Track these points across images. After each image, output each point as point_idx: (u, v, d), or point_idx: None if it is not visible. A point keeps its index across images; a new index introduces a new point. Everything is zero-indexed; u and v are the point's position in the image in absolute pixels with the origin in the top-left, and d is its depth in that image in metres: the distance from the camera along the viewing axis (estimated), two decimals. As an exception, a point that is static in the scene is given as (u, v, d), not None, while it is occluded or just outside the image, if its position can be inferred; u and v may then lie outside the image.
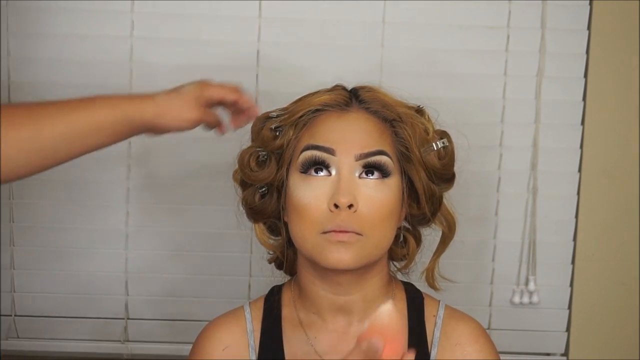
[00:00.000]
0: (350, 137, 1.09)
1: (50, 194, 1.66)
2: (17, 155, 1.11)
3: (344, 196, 1.06)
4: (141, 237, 1.68)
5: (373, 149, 1.09)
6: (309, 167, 1.09)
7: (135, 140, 1.57)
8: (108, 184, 1.66)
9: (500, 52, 1.66)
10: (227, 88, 1.20)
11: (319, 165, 1.09)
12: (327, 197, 1.07)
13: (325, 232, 1.07)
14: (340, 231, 1.06)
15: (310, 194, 1.08)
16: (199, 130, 1.63)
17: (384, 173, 1.09)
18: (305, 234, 1.09)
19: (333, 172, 1.08)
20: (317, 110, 1.13)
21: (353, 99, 1.14)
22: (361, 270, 1.11)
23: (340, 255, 1.07)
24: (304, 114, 1.13)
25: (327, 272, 1.11)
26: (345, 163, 1.08)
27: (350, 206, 1.06)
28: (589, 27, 1.66)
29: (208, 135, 1.63)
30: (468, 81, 1.66)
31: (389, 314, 0.95)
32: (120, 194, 1.66)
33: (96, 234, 1.67)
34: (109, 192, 1.66)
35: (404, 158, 1.11)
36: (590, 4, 1.65)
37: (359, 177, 1.09)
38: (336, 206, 1.06)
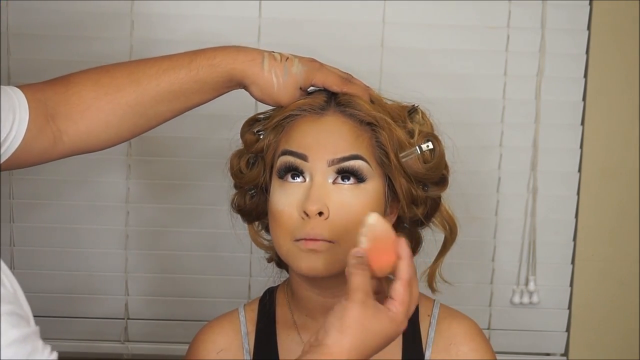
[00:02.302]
0: (323, 142, 1.07)
1: (50, 194, 1.66)
2: (119, 121, 1.11)
3: (312, 204, 1.04)
4: (141, 237, 1.68)
5: (346, 153, 1.06)
6: (285, 173, 1.08)
7: (135, 140, 1.57)
8: (108, 184, 1.66)
9: (500, 52, 1.66)
10: (333, 78, 1.13)
11: (294, 171, 1.07)
12: (299, 205, 1.05)
13: (297, 240, 1.06)
14: (310, 239, 1.05)
15: (284, 201, 1.07)
16: (199, 130, 1.64)
17: (359, 178, 1.07)
18: (279, 241, 1.08)
19: (307, 179, 1.07)
20: (295, 114, 1.11)
21: (331, 102, 1.11)
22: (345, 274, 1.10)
23: (311, 264, 1.06)
24: (280, 118, 1.12)
25: (310, 277, 1.10)
26: (318, 169, 1.06)
27: (320, 214, 1.04)
28: (589, 27, 1.66)
29: (208, 135, 1.63)
30: (468, 81, 1.66)
31: (377, 226, 0.95)
32: (120, 194, 1.66)
33: (96, 234, 1.67)
34: (109, 192, 1.66)
35: (384, 162, 1.10)
36: (590, 4, 1.65)
37: (333, 182, 1.06)
38: (307, 214, 1.05)
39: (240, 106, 1.50)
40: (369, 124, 1.09)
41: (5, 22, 1.60)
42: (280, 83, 1.11)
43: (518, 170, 1.69)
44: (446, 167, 1.15)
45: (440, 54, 1.65)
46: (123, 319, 1.70)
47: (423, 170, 1.10)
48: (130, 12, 1.62)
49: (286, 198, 1.07)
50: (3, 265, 0.79)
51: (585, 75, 1.67)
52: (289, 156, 1.08)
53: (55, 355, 0.79)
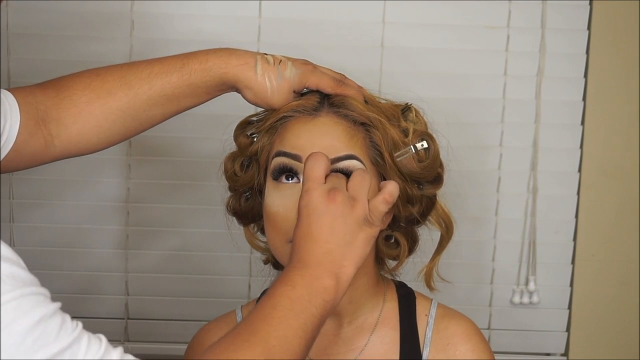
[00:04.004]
0: (317, 143, 1.06)
1: (50, 194, 1.66)
2: (111, 125, 1.10)
3: None
4: (141, 236, 1.68)
5: (341, 153, 1.06)
6: (280, 174, 1.07)
7: (135, 140, 1.57)
8: (108, 184, 1.67)
9: (500, 52, 1.66)
10: (327, 81, 1.12)
11: (288, 172, 1.07)
12: (294, 206, 1.03)
13: (292, 241, 1.05)
14: None
15: (279, 202, 1.06)
16: (199, 130, 1.64)
17: None
18: (275, 242, 1.08)
19: (301, 179, 1.04)
20: (289, 116, 1.10)
21: (325, 103, 1.11)
22: None
23: None
24: (274, 120, 1.11)
25: None
26: None
27: None
28: (589, 27, 1.66)
29: (208, 135, 1.64)
30: (468, 81, 1.66)
31: None
32: (120, 194, 1.67)
33: (96, 234, 1.67)
34: (109, 192, 1.67)
35: (378, 162, 1.09)
36: (590, 4, 1.65)
37: None
38: None
39: (241, 106, 1.50)
40: (363, 124, 1.09)
41: (5, 22, 1.60)
42: (274, 87, 1.11)
43: (518, 170, 1.68)
44: (441, 165, 1.14)
45: (440, 54, 1.65)
46: (123, 319, 1.70)
47: (418, 169, 1.10)
48: (130, 12, 1.62)
49: (281, 199, 1.06)
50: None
51: (585, 75, 1.67)
52: (283, 157, 1.07)
53: (80, 325, 0.81)
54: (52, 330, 0.77)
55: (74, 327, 0.79)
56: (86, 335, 0.80)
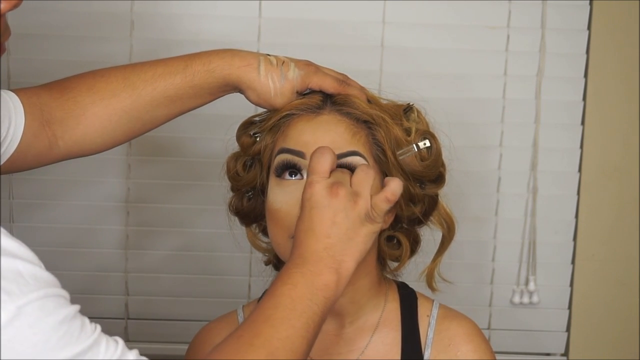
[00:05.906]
0: (320, 139, 1.06)
1: (50, 194, 1.66)
2: (115, 126, 1.11)
3: None
4: (141, 236, 1.68)
5: (344, 150, 1.06)
6: (283, 171, 1.07)
7: (135, 140, 1.56)
8: (108, 184, 1.67)
9: (500, 52, 1.66)
10: (330, 81, 1.12)
11: (292, 168, 1.07)
12: (297, 202, 1.03)
13: (294, 236, 1.05)
14: None
15: (282, 199, 1.07)
16: (199, 130, 1.64)
17: None
18: (277, 239, 1.08)
19: (304, 176, 1.06)
20: (292, 114, 1.11)
21: (327, 102, 1.11)
22: None
23: None
24: (277, 119, 1.11)
25: None
26: None
27: None
28: (589, 27, 1.66)
29: (209, 135, 1.64)
30: (468, 81, 1.66)
31: None
32: (120, 194, 1.67)
33: (96, 234, 1.67)
34: (109, 192, 1.67)
35: (381, 160, 1.10)
36: (590, 4, 1.65)
37: None
38: None
39: (242, 106, 1.50)
40: (366, 122, 1.09)
41: (5, 23, 1.60)
42: (277, 88, 1.11)
43: (518, 170, 1.69)
44: (443, 164, 1.14)
45: (440, 54, 1.65)
46: (123, 319, 1.70)
47: (420, 167, 1.10)
48: (130, 12, 1.62)
49: (283, 196, 1.06)
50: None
51: (585, 75, 1.67)
52: (286, 154, 1.07)
53: (99, 327, 0.82)
54: (75, 331, 0.78)
55: (93, 329, 0.81)
56: (104, 338, 0.81)
